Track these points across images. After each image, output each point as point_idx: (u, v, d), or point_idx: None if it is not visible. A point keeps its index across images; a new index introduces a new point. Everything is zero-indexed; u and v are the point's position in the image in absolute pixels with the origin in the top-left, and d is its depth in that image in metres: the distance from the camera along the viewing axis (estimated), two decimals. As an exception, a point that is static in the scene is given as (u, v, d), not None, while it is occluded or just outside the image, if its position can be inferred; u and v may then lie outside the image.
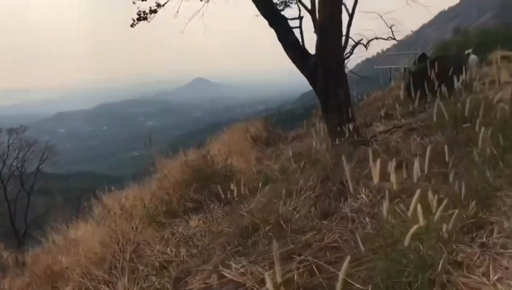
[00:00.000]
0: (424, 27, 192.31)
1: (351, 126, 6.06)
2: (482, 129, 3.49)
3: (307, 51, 6.91)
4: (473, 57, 21.98)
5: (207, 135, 12.67)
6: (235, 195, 5.15)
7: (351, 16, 16.51)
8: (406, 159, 4.64)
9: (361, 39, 15.63)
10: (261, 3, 6.90)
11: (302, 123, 10.27)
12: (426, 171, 3.68)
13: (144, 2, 19.00)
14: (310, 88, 7.01)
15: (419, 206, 2.50)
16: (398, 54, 42.08)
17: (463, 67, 6.93)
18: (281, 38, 6.91)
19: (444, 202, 2.74)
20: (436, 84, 5.92)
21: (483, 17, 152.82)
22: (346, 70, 18.36)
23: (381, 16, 14.95)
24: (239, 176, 7.58)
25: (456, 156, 4.18)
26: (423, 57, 33.74)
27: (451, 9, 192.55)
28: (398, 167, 4.71)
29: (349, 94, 7.06)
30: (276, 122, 13.62)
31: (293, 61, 6.94)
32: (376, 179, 2.95)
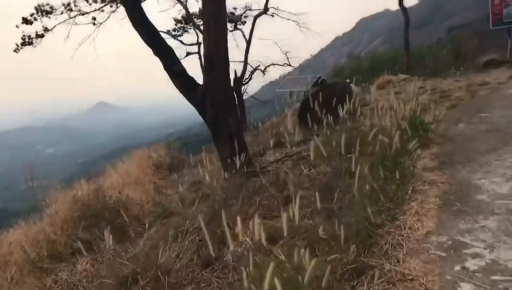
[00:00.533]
0: (322, 52, 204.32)
1: (243, 157, 5.81)
2: (358, 165, 3.38)
3: (195, 80, 6.59)
4: (353, 86, 23.35)
5: (112, 161, 11.79)
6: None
7: (248, 43, 16.82)
8: (294, 193, 4.47)
9: (259, 65, 15.93)
10: (143, 31, 6.46)
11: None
12: (312, 208, 3.45)
13: (29, 26, 17.41)
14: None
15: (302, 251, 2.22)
16: (298, 77, 44.02)
17: (347, 95, 7.09)
18: (166, 68, 6.52)
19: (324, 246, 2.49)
20: (323, 112, 5.93)
21: (373, 42, 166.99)
22: (247, 96, 18.72)
23: (276, 43, 15.33)
24: (134, 210, 7.01)
25: (341, 189, 4.08)
26: (322, 80, 35.57)
27: (345, 34, 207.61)
28: (286, 204, 4.54)
29: (241, 123, 6.85)
30: (181, 146, 13.13)
31: (180, 91, 6.57)
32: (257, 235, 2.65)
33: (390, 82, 14.51)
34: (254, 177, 5.76)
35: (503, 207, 3.26)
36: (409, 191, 3.81)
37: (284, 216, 2.72)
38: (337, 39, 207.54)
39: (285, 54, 15.74)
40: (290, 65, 16.20)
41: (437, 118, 6.09)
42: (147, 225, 5.64)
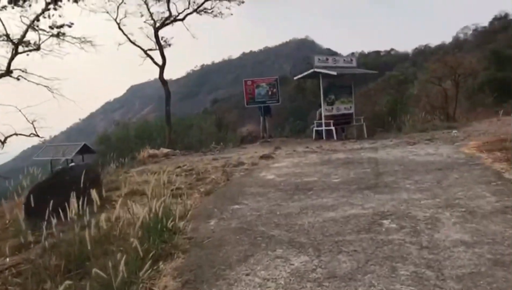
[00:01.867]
0: (92, 116, 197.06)
1: None
2: None
3: None
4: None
5: None
6: None
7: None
8: None
9: (-3, 136, 13.09)
10: None
11: None
12: None
13: None
14: None
15: None
16: (59, 145, 39.90)
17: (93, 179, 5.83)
18: None
19: None
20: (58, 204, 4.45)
21: (144, 109, 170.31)
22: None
23: (20, 110, 12.94)
24: None
25: None
26: (85, 148, 32.74)
27: (116, 100, 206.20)
28: None
29: None
30: None
31: None
32: None
33: (153, 156, 13.80)
34: None
35: None
36: None
37: None
38: (108, 103, 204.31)
39: (32, 123, 13.35)
40: (38, 136, 13.79)
41: (188, 211, 5.35)
42: None
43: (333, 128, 15.85)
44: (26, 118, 13.18)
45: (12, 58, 13.47)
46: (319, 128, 16.21)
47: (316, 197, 5.40)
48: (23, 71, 14.50)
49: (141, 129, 29.80)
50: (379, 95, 29.72)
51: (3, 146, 13.51)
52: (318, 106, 18.44)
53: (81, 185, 5.41)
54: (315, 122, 16.72)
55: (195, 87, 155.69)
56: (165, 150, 14.41)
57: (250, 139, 17.14)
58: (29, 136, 13.16)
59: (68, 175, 6.05)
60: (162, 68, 18.02)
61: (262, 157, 9.32)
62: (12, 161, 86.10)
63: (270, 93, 16.79)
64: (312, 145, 12.86)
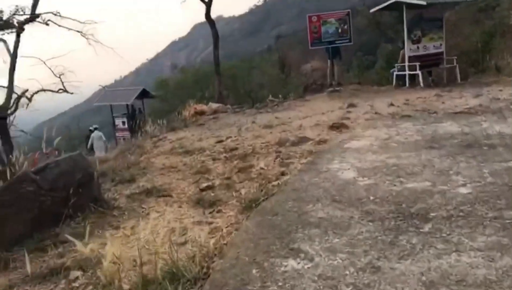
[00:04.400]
0: (159, 56, 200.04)
1: None
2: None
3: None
4: (96, 134, 20.02)
5: None
6: None
7: (13, 59, 12.14)
8: None
9: (26, 90, 11.48)
10: None
11: None
12: None
13: None
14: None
15: None
16: (118, 90, 39.23)
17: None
18: None
19: None
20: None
21: (209, 47, 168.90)
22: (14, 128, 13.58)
23: (44, 62, 11.12)
24: None
25: None
26: (144, 92, 31.60)
27: (181, 39, 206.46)
28: None
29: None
30: None
31: None
32: None
33: (200, 113, 11.65)
34: None
35: None
36: None
37: None
38: (173, 43, 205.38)
39: (59, 77, 11.51)
40: (66, 91, 11.99)
41: (210, 257, 3.06)
42: None
43: (419, 72, 12.70)
44: (53, 72, 11.33)
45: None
46: (401, 73, 13.11)
47: (445, 247, 2.71)
48: (55, 14, 12.55)
49: (199, 74, 27.84)
50: (462, 26, 24.75)
51: (29, 102, 11.80)
52: (398, 45, 15.21)
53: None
54: (396, 65, 13.56)
55: (259, 24, 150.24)
56: (214, 106, 12.18)
57: (314, 87, 14.34)
58: (57, 91, 11.38)
59: (53, 172, 3.95)
60: (208, 5, 15.31)
61: (332, 127, 6.71)
62: (84, 103, 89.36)
63: (340, 31, 13.63)
64: (395, 98, 9.96)
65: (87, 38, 12.20)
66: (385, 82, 18.26)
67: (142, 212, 4.33)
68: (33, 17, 11.76)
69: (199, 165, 5.67)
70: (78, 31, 12.35)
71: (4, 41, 11.85)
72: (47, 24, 11.93)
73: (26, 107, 11.21)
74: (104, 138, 23.01)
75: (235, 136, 7.18)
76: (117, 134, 32.80)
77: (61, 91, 11.44)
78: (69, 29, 12.09)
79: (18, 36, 11.51)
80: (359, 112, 8.24)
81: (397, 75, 13.34)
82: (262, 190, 4.33)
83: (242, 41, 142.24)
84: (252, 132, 7.39)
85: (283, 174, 4.82)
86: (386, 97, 10.74)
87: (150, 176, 5.47)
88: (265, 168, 5.16)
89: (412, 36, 13.14)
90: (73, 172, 4.18)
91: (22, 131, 11.99)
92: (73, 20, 12.76)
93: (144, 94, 31.68)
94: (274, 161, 5.36)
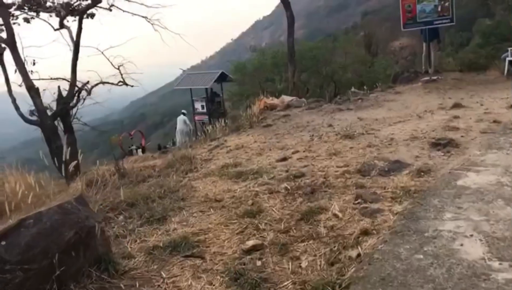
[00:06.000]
0: (243, 35, 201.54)
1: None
2: None
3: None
4: (181, 118, 19.33)
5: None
6: None
7: (76, 48, 11.54)
8: None
9: (87, 82, 10.83)
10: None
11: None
12: None
13: None
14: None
15: None
16: (198, 73, 38.99)
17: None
18: None
19: None
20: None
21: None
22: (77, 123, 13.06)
23: (102, 52, 10.31)
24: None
25: None
26: (223, 76, 30.89)
27: (266, 17, 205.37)
28: None
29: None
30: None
31: None
32: None
33: (271, 108, 10.20)
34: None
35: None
36: None
37: None
38: (257, 22, 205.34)
39: (118, 68, 10.64)
40: (126, 84, 11.12)
41: None
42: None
43: None
44: (112, 64, 10.47)
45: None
46: (517, 59, 10.61)
47: None
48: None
49: (278, 55, 26.23)
50: None
51: (88, 94, 11.08)
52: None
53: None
54: (509, 49, 10.97)
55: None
56: (287, 99, 10.65)
57: (407, 75, 12.15)
58: (117, 84, 10.55)
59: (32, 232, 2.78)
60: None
61: (436, 145, 4.86)
62: (168, 86, 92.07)
63: (439, 9, 11.21)
64: None
65: (152, 24, 11.17)
66: (483, 61, 15.53)
67: (158, 286, 3.02)
68: (96, 1, 11.00)
69: (251, 200, 4.23)
70: (143, 17, 11.34)
71: (68, 28, 11.26)
72: (110, 10, 11.12)
73: (83, 101, 10.49)
74: (188, 122, 22.59)
75: (304, 150, 5.62)
76: (196, 118, 32.71)
77: (121, 83, 10.58)
78: (134, 14, 11.16)
79: (80, 23, 10.83)
80: (469, 117, 6.22)
81: (510, 61, 10.78)
82: (332, 265, 2.81)
83: (327, 18, 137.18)
84: (327, 144, 5.78)
85: (366, 232, 3.22)
86: (499, 91, 8.47)
87: (186, 214, 4.15)
88: (340, 215, 3.58)
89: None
90: (59, 229, 2.95)
91: (85, 124, 11.43)
92: (140, 4, 11.80)
93: (223, 78, 30.97)
94: (354, 203, 3.75)
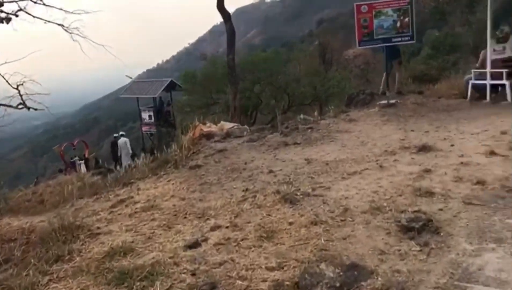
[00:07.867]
0: (200, 40, 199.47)
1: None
2: None
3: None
4: (122, 140, 18.75)
5: None
6: None
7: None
8: None
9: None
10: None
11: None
12: None
13: None
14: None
15: None
16: (146, 81, 36.81)
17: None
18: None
19: None
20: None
21: (250, 32, 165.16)
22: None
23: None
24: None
25: None
26: (172, 84, 28.95)
27: (223, 23, 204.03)
28: None
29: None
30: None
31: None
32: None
33: (208, 137, 8.64)
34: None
35: None
36: None
37: None
38: (215, 27, 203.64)
39: (17, 88, 8.62)
40: (25, 106, 9.02)
41: None
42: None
43: (506, 82, 9.26)
44: (10, 84, 8.47)
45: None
46: (480, 82, 9.68)
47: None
48: (35, 2, 9.82)
49: (226, 68, 24.74)
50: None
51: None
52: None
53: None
54: (473, 71, 10.02)
55: (302, 7, 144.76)
56: (228, 126, 9.13)
57: (362, 97, 10.95)
58: (16, 107, 8.56)
59: None
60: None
61: (409, 230, 3.42)
62: (123, 88, 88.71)
63: (399, 24, 10.03)
64: (483, 125, 6.66)
65: (70, 33, 9.33)
66: (435, 73, 14.99)
67: None
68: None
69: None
70: (59, 24, 9.47)
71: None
72: (17, 16, 9.18)
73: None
74: (128, 145, 20.83)
75: (228, 223, 4.07)
76: (143, 128, 30.54)
77: (21, 106, 8.60)
78: (47, 21, 9.28)
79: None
80: (443, 172, 4.84)
81: (473, 85, 9.79)
82: None
83: (284, 26, 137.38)
84: (260, 212, 4.26)
85: None
86: (466, 123, 7.36)
87: None
88: None
89: (498, 33, 9.65)
90: None
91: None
92: (59, 9, 9.94)
93: (172, 86, 29.03)
94: None
